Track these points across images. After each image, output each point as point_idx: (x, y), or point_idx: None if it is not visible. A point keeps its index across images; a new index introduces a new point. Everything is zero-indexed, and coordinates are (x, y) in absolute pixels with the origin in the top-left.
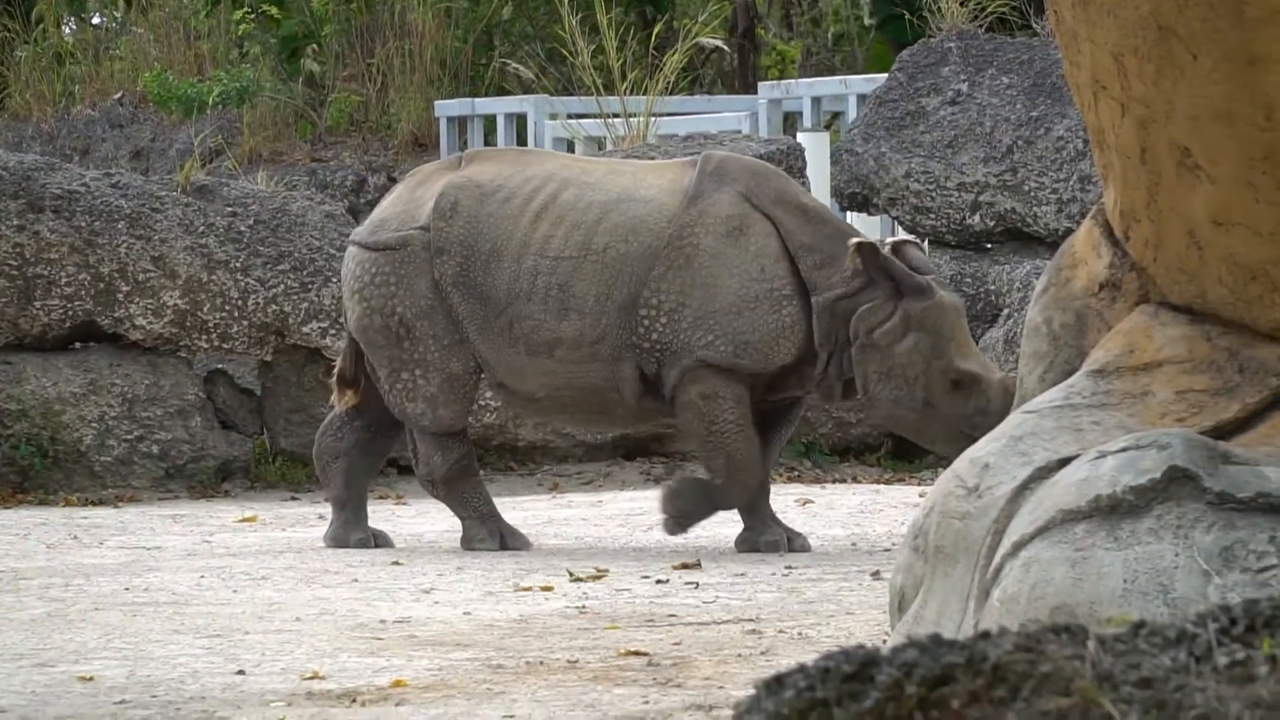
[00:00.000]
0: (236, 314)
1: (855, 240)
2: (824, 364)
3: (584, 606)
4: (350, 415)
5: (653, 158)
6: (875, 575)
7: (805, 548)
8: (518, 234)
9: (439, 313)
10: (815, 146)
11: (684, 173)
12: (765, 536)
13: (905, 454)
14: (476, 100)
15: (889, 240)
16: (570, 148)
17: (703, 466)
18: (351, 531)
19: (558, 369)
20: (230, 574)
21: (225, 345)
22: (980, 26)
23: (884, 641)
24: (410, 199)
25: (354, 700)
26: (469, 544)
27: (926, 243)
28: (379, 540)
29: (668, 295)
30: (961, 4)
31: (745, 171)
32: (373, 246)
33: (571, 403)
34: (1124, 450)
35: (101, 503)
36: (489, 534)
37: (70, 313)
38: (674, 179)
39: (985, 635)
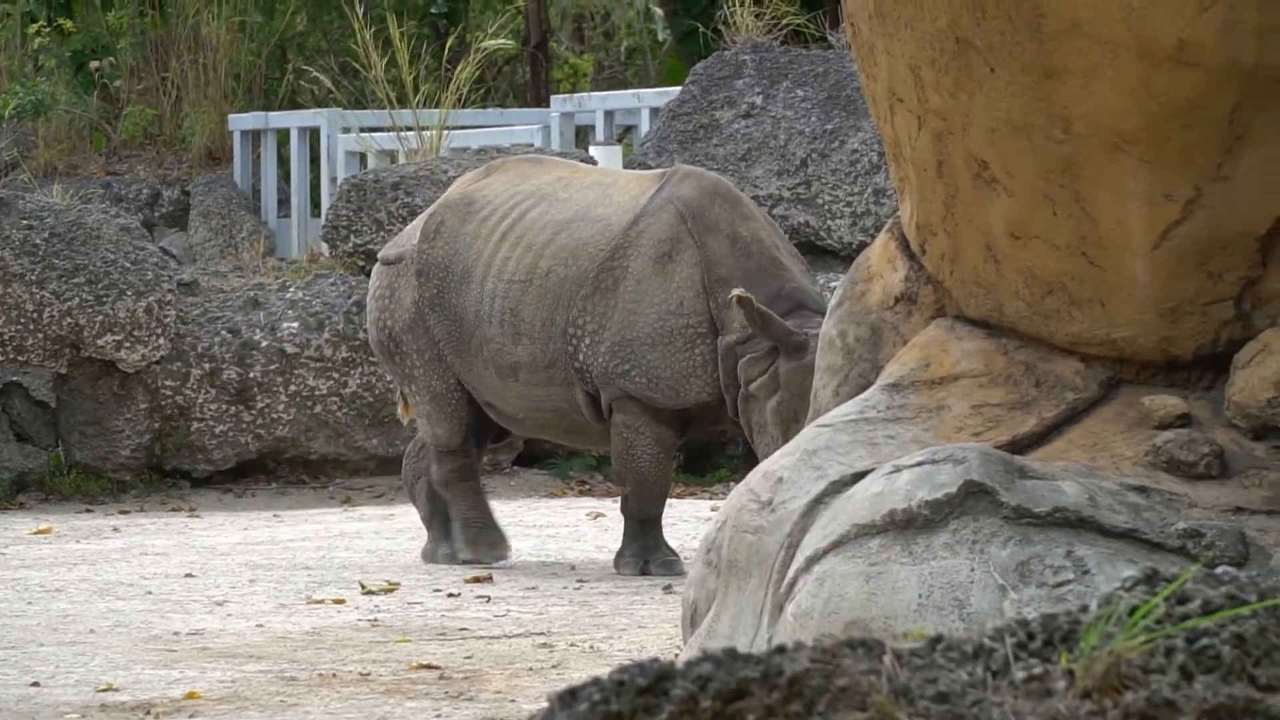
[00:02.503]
0: (32, 326)
1: (735, 292)
2: (731, 406)
3: (376, 619)
4: None
5: (445, 170)
6: (667, 589)
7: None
8: (484, 255)
9: (420, 330)
10: (608, 160)
11: (648, 187)
12: (661, 557)
13: (697, 468)
14: (270, 114)
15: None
16: (363, 161)
17: (615, 475)
18: (438, 547)
19: (525, 391)
20: (25, 586)
21: (20, 358)
22: (775, 39)
23: (677, 655)
24: (427, 213)
25: (148, 712)
26: (454, 551)
27: None
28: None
29: (591, 317)
30: (756, 17)
31: (695, 191)
32: (380, 259)
33: (548, 424)
34: (919, 464)
35: None
36: (466, 543)
37: None
38: (636, 195)
39: (781, 649)
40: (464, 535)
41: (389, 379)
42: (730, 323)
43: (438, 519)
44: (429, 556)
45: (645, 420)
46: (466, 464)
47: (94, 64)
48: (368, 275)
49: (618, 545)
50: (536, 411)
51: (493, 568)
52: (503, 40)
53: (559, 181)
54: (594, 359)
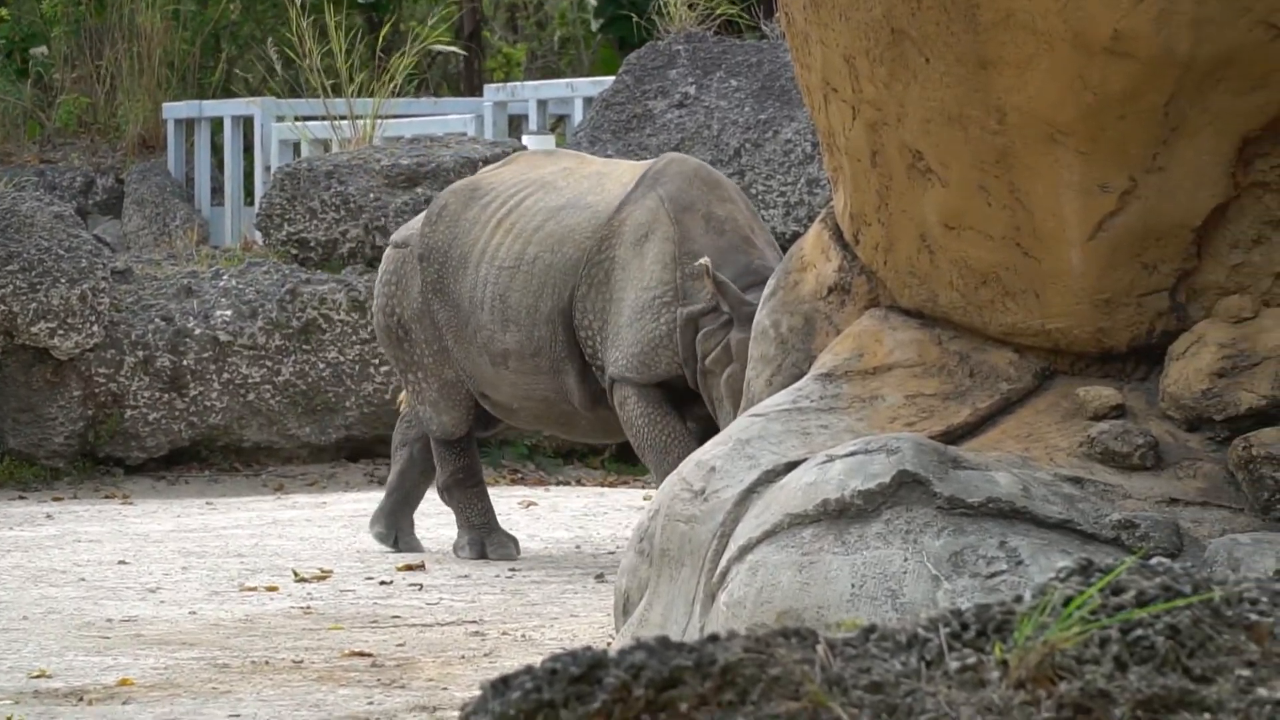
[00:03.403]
0: None
1: (700, 261)
2: (690, 379)
3: (309, 607)
4: None
5: (379, 159)
6: (599, 578)
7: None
8: (481, 240)
9: (428, 318)
10: (540, 149)
11: (636, 175)
12: None
13: (629, 457)
14: (204, 103)
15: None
16: (297, 150)
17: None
18: (377, 521)
19: (516, 380)
20: None
21: None
22: (709, 29)
23: (609, 644)
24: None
25: (81, 699)
26: (455, 550)
27: None
28: (401, 543)
29: (595, 314)
30: (690, 7)
31: (676, 177)
32: (390, 243)
33: (539, 414)
34: (853, 454)
35: None
36: (469, 543)
37: None
38: (626, 183)
39: (714, 638)
40: (470, 544)
41: (386, 364)
42: (694, 295)
43: (396, 492)
44: (374, 521)
45: (633, 396)
46: (469, 465)
47: (35, 51)
48: (300, 263)
49: (549, 534)
50: (528, 400)
51: (424, 556)
52: (442, 36)
53: (563, 171)
54: (601, 350)
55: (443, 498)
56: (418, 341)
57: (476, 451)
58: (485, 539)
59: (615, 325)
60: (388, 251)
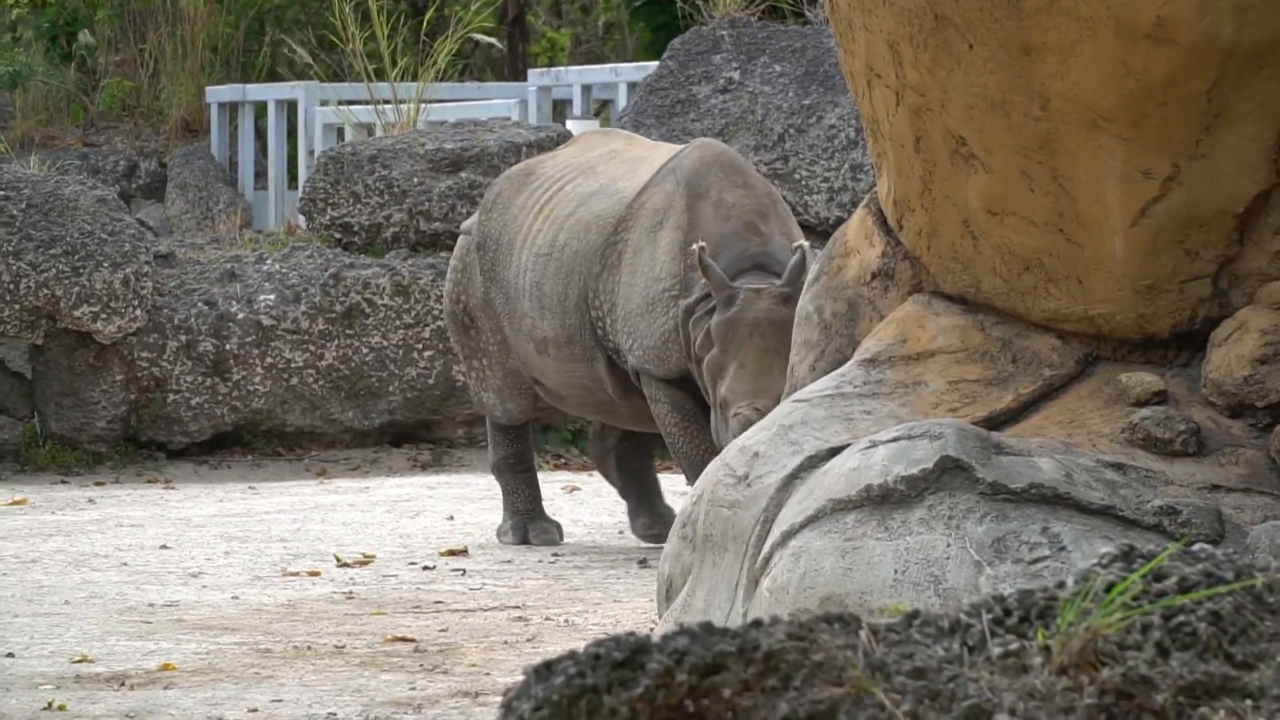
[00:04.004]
0: (8, 298)
1: (694, 245)
2: (696, 374)
3: (351, 592)
4: None
5: (422, 144)
6: (642, 563)
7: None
8: (524, 227)
9: (490, 306)
10: (598, 129)
11: (664, 160)
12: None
13: None
14: (248, 86)
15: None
16: (340, 135)
17: None
18: (636, 519)
19: (559, 367)
20: None
21: None
22: (753, 15)
23: (652, 630)
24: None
25: (123, 683)
26: (498, 535)
27: None
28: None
29: (606, 296)
30: None
31: (697, 163)
32: (460, 230)
33: (583, 401)
34: (896, 440)
35: None
36: (512, 529)
37: None
38: (656, 167)
39: (757, 624)
40: (514, 529)
41: (457, 354)
42: (696, 285)
43: (634, 490)
44: (632, 524)
45: (660, 390)
46: (523, 451)
47: (79, 35)
48: (344, 248)
49: (593, 519)
50: (571, 388)
51: (468, 542)
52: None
53: (609, 154)
54: (614, 335)
55: (496, 477)
56: (482, 329)
57: (531, 438)
58: (529, 524)
59: (625, 311)
60: (459, 239)
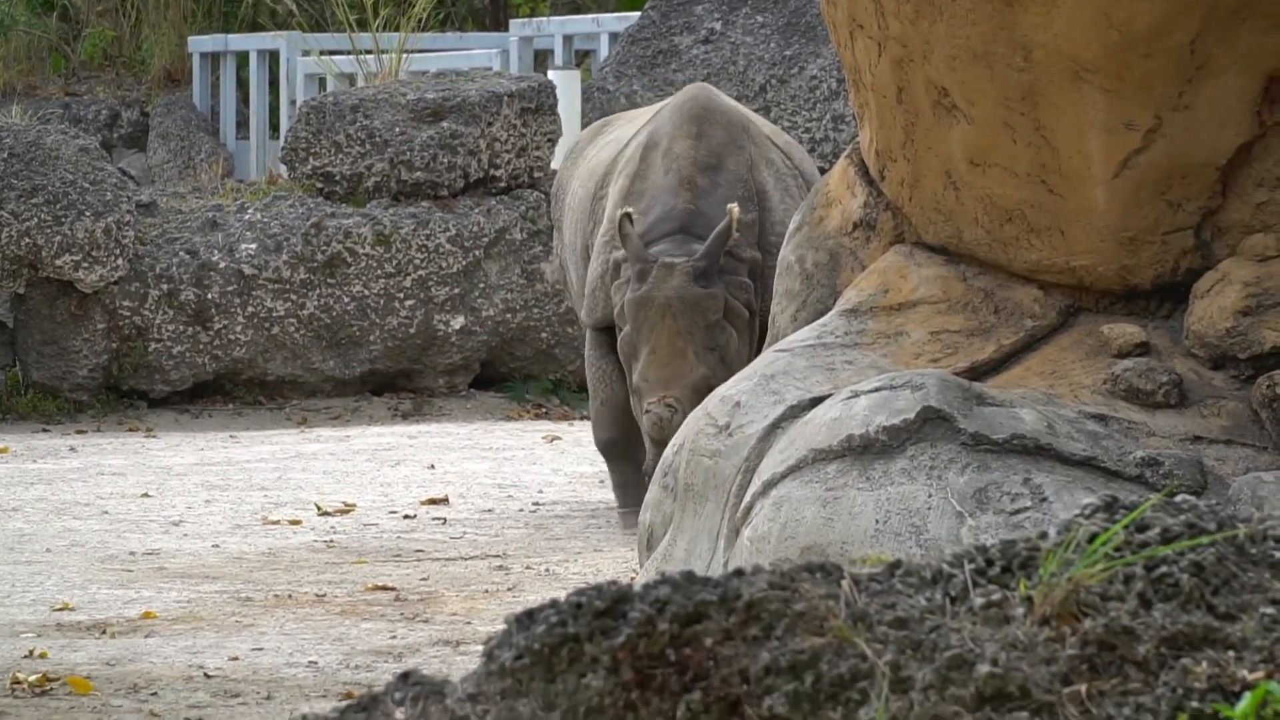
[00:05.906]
0: None
1: (623, 209)
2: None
3: (331, 541)
4: None
5: (404, 94)
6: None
7: None
8: (572, 181)
9: (561, 253)
10: (566, 85)
11: None
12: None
13: None
14: (230, 36)
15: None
16: (322, 85)
17: None
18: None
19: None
20: None
21: None
22: None
23: (633, 579)
24: None
25: (104, 631)
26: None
27: None
28: None
29: (586, 248)
30: None
31: (672, 108)
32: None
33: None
34: (877, 390)
35: None
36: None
37: None
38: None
39: (739, 573)
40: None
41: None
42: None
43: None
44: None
45: (588, 340)
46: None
47: None
48: (325, 197)
49: (573, 468)
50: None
51: (448, 490)
52: None
53: (660, 106)
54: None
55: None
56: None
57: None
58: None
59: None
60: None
